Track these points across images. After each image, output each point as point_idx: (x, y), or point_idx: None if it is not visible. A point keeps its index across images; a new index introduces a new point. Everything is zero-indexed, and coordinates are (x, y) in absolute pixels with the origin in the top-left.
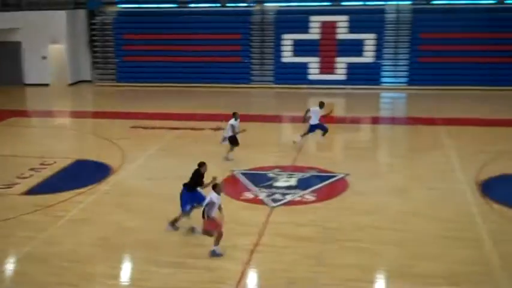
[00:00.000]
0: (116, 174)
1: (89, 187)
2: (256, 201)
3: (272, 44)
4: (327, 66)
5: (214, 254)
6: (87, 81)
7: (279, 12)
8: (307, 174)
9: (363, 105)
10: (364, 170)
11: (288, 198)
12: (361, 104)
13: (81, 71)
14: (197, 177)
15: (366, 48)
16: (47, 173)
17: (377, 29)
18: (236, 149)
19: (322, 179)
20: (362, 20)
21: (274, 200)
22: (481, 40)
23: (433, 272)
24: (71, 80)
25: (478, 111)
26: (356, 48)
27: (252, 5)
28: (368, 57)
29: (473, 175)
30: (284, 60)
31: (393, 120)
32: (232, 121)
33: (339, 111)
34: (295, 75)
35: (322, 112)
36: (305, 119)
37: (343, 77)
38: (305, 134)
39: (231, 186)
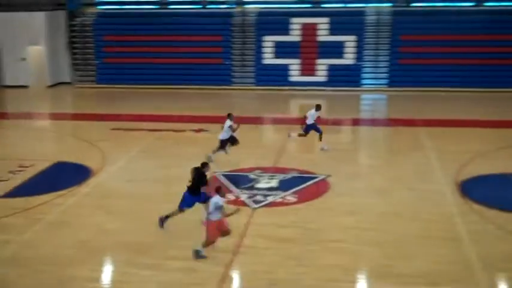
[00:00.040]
0: (96, 176)
1: (69, 189)
2: (237, 202)
3: (253, 45)
4: (308, 68)
5: (198, 255)
6: (66, 83)
7: (260, 14)
8: (288, 176)
9: (344, 106)
10: (345, 171)
11: (270, 199)
12: (341, 106)
13: (61, 72)
14: (200, 178)
15: (347, 50)
16: (26, 175)
17: (357, 31)
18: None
19: (304, 180)
20: (342, 22)
21: (256, 202)
22: (460, 42)
23: (413, 271)
24: (50, 81)
25: (458, 112)
26: (336, 50)
27: (232, 6)
28: (348, 59)
29: (453, 176)
30: (265, 62)
31: (374, 122)
32: (228, 122)
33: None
34: (276, 77)
35: (318, 114)
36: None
37: (323, 79)
38: (301, 134)
39: (213, 188)
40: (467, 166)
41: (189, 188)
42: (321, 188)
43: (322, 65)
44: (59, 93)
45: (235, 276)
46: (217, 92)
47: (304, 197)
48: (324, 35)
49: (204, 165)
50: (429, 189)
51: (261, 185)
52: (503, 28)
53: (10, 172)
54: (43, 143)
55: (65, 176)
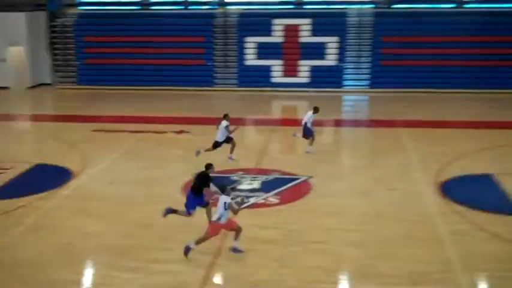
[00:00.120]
0: (77, 178)
1: (50, 192)
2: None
3: (235, 47)
4: (290, 69)
5: (187, 250)
6: (47, 84)
7: (242, 15)
8: (270, 177)
9: (326, 107)
10: (327, 172)
11: (252, 200)
12: (324, 107)
13: (42, 73)
14: (204, 180)
15: (329, 51)
16: (6, 177)
17: (339, 33)
18: (202, 151)
19: (286, 181)
20: (324, 23)
21: (238, 203)
22: (442, 44)
23: (394, 271)
24: (31, 82)
25: (439, 113)
26: (319, 51)
27: (214, 7)
28: (331, 60)
29: (434, 176)
30: (247, 63)
31: (356, 123)
32: (224, 123)
33: (302, 114)
34: (259, 78)
35: (315, 117)
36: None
37: (306, 80)
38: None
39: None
40: (449, 167)
41: (192, 189)
42: (303, 189)
43: (305, 66)
44: (40, 94)
45: (218, 279)
46: (200, 93)
47: (286, 198)
48: (306, 36)
49: (208, 166)
50: (411, 189)
51: (243, 186)
52: (483, 30)
53: None
54: (23, 145)
55: (45, 178)
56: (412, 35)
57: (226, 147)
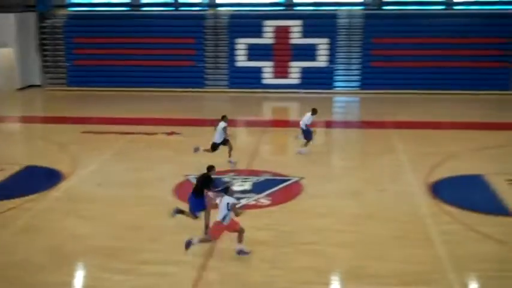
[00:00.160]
0: (67, 180)
1: (40, 194)
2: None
3: (226, 48)
4: (281, 71)
5: (188, 245)
6: (37, 85)
7: (233, 16)
8: (261, 178)
9: (317, 109)
10: (318, 173)
11: (243, 202)
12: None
13: (31, 75)
14: (206, 182)
15: (319, 52)
16: None
17: (330, 34)
18: (191, 153)
19: (277, 182)
20: (315, 24)
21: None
22: (431, 45)
23: (385, 272)
24: (20, 84)
25: (429, 114)
26: (309, 52)
27: (204, 8)
28: (321, 61)
29: (424, 177)
30: (238, 64)
31: (346, 124)
32: (222, 124)
33: (293, 116)
34: (250, 79)
35: (313, 118)
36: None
37: (296, 81)
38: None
39: (185, 191)
40: (439, 168)
41: (193, 190)
42: (294, 190)
43: (295, 68)
44: (29, 96)
45: (209, 280)
46: (190, 95)
47: (277, 200)
48: (296, 38)
49: (210, 168)
50: (401, 190)
51: (235, 187)
52: (473, 31)
53: None
54: (13, 147)
55: (35, 180)
56: (402, 36)
57: (224, 149)
